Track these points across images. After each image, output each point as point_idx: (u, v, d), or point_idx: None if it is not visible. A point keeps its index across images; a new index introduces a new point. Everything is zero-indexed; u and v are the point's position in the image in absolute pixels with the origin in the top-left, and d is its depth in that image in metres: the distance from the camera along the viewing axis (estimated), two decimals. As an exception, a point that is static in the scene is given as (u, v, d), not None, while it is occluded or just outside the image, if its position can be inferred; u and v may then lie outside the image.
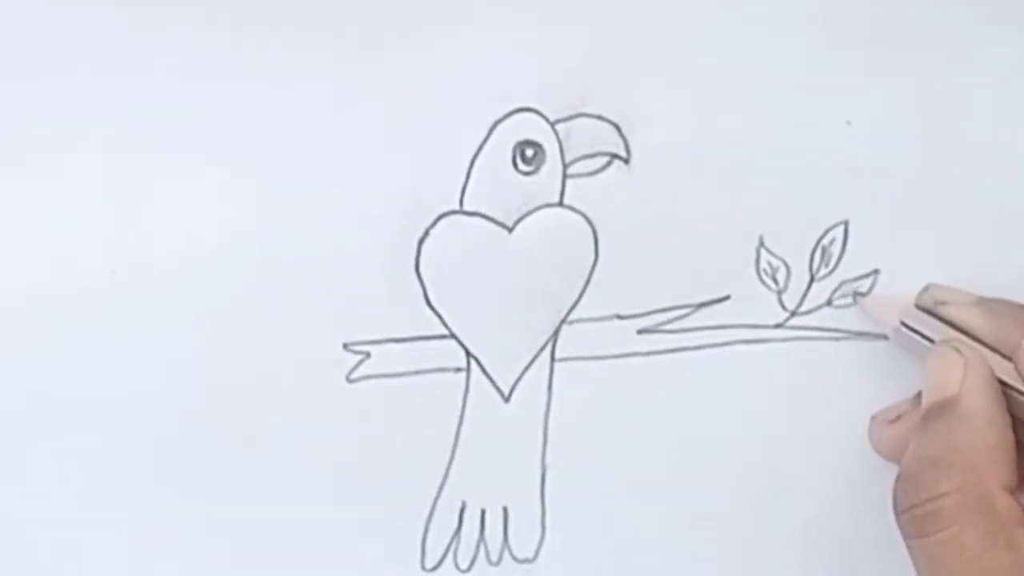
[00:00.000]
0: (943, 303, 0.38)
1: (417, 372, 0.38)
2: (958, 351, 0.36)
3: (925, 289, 0.39)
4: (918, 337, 0.38)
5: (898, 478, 0.35)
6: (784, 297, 0.40)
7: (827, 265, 0.41)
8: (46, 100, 0.35)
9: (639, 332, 0.39)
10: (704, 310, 0.40)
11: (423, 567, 0.39)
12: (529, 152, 0.38)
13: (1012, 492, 0.34)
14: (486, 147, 0.38)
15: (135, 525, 0.38)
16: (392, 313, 0.38)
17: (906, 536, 0.34)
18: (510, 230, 0.38)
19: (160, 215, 0.36)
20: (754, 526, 0.41)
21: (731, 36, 0.39)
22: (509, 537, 0.40)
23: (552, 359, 0.39)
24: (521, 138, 0.38)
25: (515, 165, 0.38)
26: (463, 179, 0.38)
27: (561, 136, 0.38)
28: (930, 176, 0.41)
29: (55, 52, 0.35)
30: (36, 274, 0.36)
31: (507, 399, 0.39)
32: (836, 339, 0.41)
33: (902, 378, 0.40)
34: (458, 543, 0.39)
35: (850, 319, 0.41)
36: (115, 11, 0.35)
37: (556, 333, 0.39)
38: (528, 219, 0.38)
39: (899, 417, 0.38)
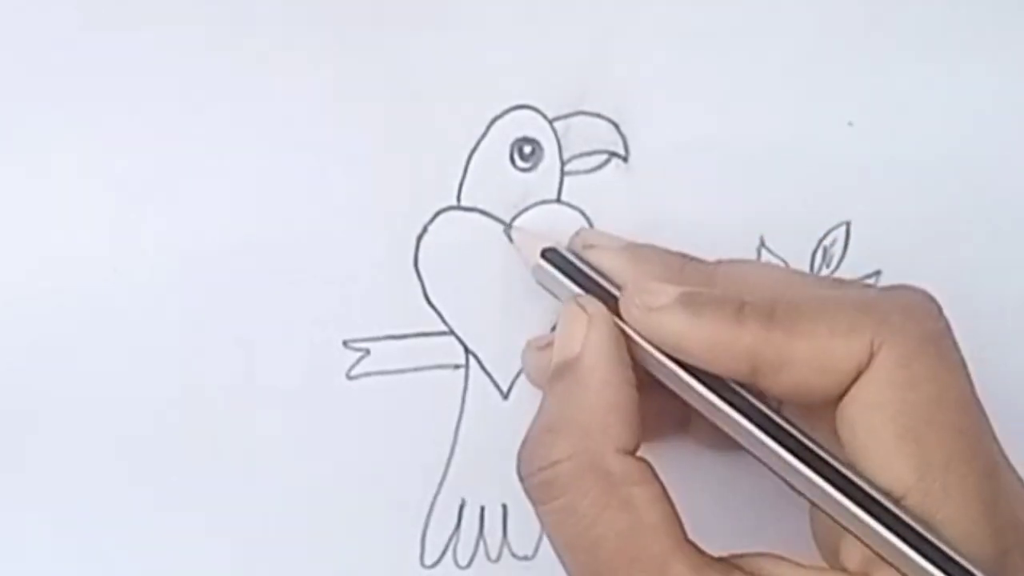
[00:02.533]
0: (590, 246, 0.37)
1: (416, 369, 0.39)
2: (583, 308, 0.35)
3: (577, 233, 0.38)
4: (559, 276, 0.36)
5: (522, 444, 0.34)
6: (785, 297, 0.40)
7: (828, 266, 0.41)
8: (46, 100, 0.36)
9: (639, 331, 0.39)
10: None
11: (422, 564, 0.39)
12: (527, 149, 0.38)
13: (631, 452, 0.33)
14: (484, 143, 0.38)
15: (134, 523, 0.38)
16: (391, 310, 0.38)
17: (530, 502, 0.34)
18: (508, 226, 0.38)
19: (160, 213, 0.37)
20: (753, 526, 0.40)
21: (732, 34, 0.39)
22: (508, 534, 0.40)
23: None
24: (519, 135, 0.38)
25: (513, 162, 0.38)
26: (461, 175, 0.38)
27: (559, 133, 0.38)
28: (932, 177, 0.41)
29: (55, 51, 0.35)
30: (36, 273, 0.36)
31: (506, 396, 0.39)
32: (837, 339, 0.41)
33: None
34: (457, 540, 0.39)
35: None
36: (115, 10, 0.36)
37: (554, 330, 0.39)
38: (525, 215, 0.38)
39: (549, 344, 0.36)
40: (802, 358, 0.32)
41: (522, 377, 0.39)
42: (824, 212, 0.41)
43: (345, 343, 0.38)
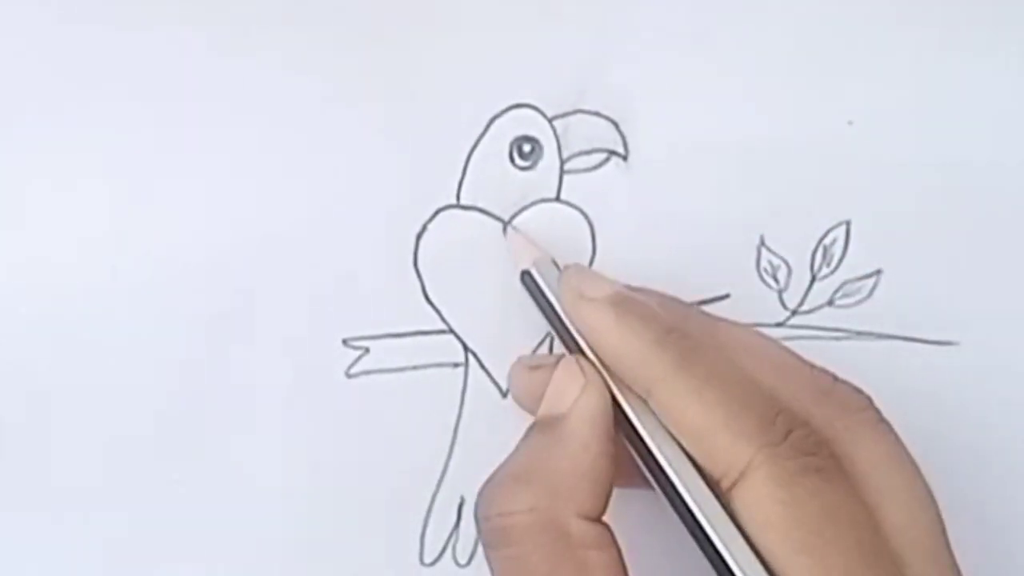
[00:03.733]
0: (582, 297, 0.35)
1: (415, 367, 0.39)
2: (581, 370, 0.34)
3: (567, 268, 0.36)
4: (538, 293, 0.36)
5: (485, 483, 0.33)
6: (785, 296, 0.40)
7: (828, 265, 0.40)
8: (46, 99, 0.36)
9: (638, 330, 0.39)
10: (704, 308, 0.40)
11: (422, 562, 0.39)
12: (526, 147, 0.38)
13: (594, 519, 0.32)
14: (483, 142, 0.38)
15: (133, 522, 0.38)
16: (390, 308, 0.38)
17: (482, 544, 0.33)
18: (507, 224, 0.38)
19: (160, 212, 0.37)
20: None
21: (732, 33, 0.39)
22: (507, 533, 0.40)
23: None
24: (518, 133, 0.38)
25: (512, 160, 0.38)
26: (460, 174, 0.38)
27: (559, 132, 0.38)
28: (932, 176, 0.41)
29: (55, 51, 0.36)
30: (37, 272, 0.36)
31: (505, 394, 0.39)
32: (837, 339, 0.41)
33: (903, 379, 0.40)
34: (456, 538, 0.39)
35: (852, 319, 0.40)
36: (115, 10, 0.36)
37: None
38: (525, 214, 0.38)
39: (540, 367, 0.36)
40: (689, 424, 0.32)
41: (522, 376, 0.39)
42: (824, 211, 0.40)
43: (344, 341, 0.38)
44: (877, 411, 0.34)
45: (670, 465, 0.33)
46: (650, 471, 0.33)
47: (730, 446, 0.32)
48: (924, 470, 0.34)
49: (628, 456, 0.34)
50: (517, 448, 0.34)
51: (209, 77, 0.36)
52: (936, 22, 0.40)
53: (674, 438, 0.33)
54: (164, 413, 0.38)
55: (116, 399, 0.37)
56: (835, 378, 0.35)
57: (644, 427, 0.33)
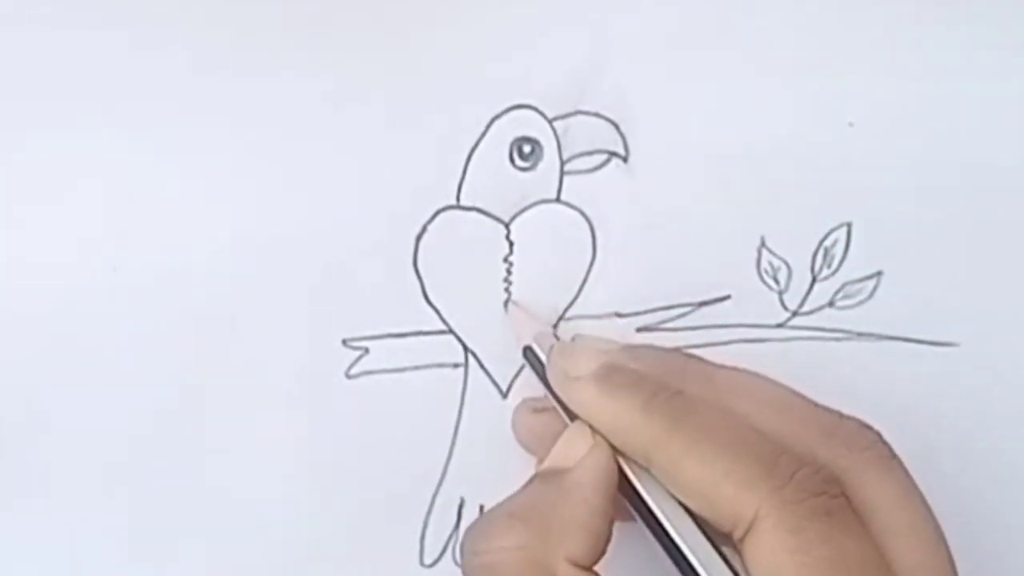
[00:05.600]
0: (568, 377, 0.35)
1: (415, 368, 0.39)
2: (592, 433, 0.34)
3: (553, 348, 0.36)
4: (539, 367, 0.37)
5: (477, 520, 0.33)
6: (785, 297, 0.40)
7: (829, 266, 0.40)
8: (46, 99, 0.36)
9: (638, 330, 0.39)
10: (704, 309, 0.40)
11: (422, 563, 0.39)
12: (527, 148, 0.38)
13: (583, 567, 0.32)
14: (483, 143, 0.38)
15: (133, 522, 0.38)
16: (390, 309, 0.38)
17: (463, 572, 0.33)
18: (507, 225, 0.38)
19: (160, 212, 0.37)
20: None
21: (732, 34, 0.39)
22: (507, 533, 0.40)
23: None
24: (519, 134, 0.38)
25: (512, 161, 0.38)
26: (460, 175, 0.38)
27: (559, 133, 0.38)
28: (933, 177, 0.41)
29: (56, 52, 0.36)
30: (37, 272, 0.36)
31: (505, 395, 0.39)
32: (838, 340, 0.41)
33: (904, 380, 0.40)
34: (456, 539, 0.39)
35: (852, 320, 0.40)
36: (115, 10, 0.36)
37: (554, 330, 0.39)
38: (525, 215, 0.38)
39: (543, 410, 0.36)
40: (690, 482, 0.32)
41: (521, 376, 0.39)
42: (825, 213, 0.40)
43: (344, 342, 0.38)
44: (886, 446, 0.34)
45: (671, 525, 0.32)
46: (655, 536, 0.33)
47: (735, 496, 0.31)
48: (924, 471, 0.34)
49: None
50: (516, 492, 0.34)
51: (209, 78, 0.36)
52: (937, 23, 0.40)
53: (679, 502, 0.33)
54: (164, 413, 0.38)
55: (116, 399, 0.37)
56: (841, 415, 0.34)
57: (647, 492, 0.33)
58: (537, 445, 0.36)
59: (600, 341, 0.37)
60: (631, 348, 0.37)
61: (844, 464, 0.33)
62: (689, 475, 0.32)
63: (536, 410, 0.37)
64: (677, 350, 0.37)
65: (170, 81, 0.36)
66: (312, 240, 0.37)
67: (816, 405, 0.35)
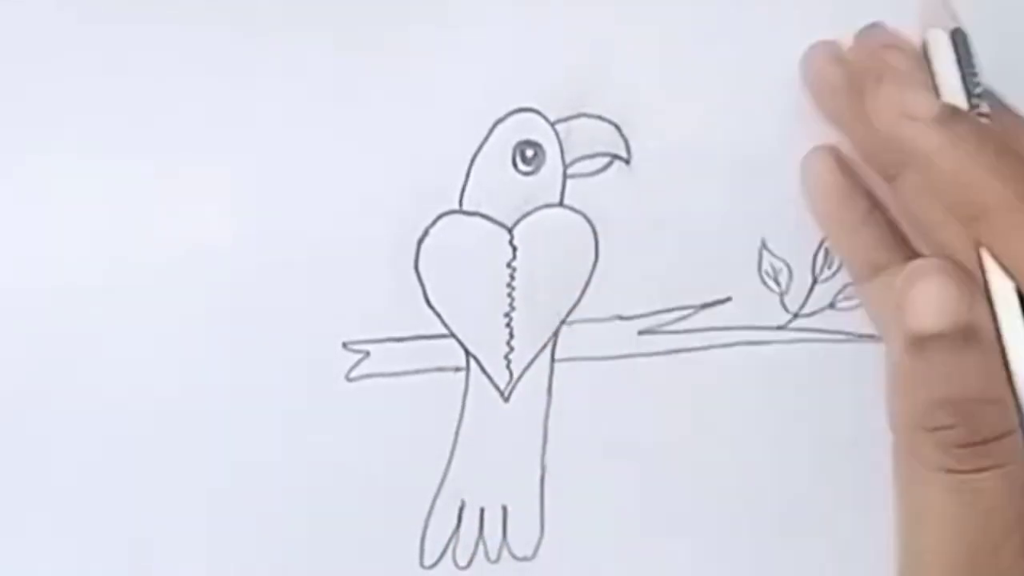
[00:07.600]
0: (904, 116, 0.32)
1: (416, 371, 0.39)
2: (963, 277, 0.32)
3: (884, 76, 0.34)
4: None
5: (948, 409, 0.31)
6: (786, 299, 0.40)
7: (830, 267, 0.41)
8: (47, 99, 0.36)
9: (640, 333, 0.39)
10: (706, 311, 0.40)
11: (422, 565, 0.40)
12: (529, 152, 0.38)
13: None
14: (486, 147, 0.38)
15: (133, 522, 0.38)
16: (392, 312, 0.38)
17: (936, 467, 0.31)
18: (510, 230, 0.38)
19: (160, 215, 0.37)
20: (754, 527, 0.41)
21: (732, 35, 0.39)
22: (508, 535, 0.40)
23: (552, 359, 0.39)
24: (521, 138, 0.38)
25: (515, 165, 0.38)
26: (463, 179, 0.38)
27: (561, 136, 0.38)
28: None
29: (56, 52, 0.35)
30: (37, 272, 0.36)
31: (507, 399, 0.39)
32: (839, 341, 0.41)
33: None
34: (457, 541, 0.40)
35: (853, 322, 0.41)
36: (117, 10, 0.35)
37: (556, 333, 0.39)
38: (528, 219, 0.38)
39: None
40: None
41: (522, 380, 0.39)
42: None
43: (345, 345, 0.38)
44: None
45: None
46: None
47: None
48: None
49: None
50: (945, 369, 0.31)
51: (209, 79, 0.36)
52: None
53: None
54: (164, 414, 0.37)
55: (115, 400, 0.37)
56: None
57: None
58: (828, 98, 0.34)
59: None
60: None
61: None
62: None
63: (837, 59, 0.35)
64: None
65: (171, 80, 0.36)
66: (313, 243, 0.37)
67: None
